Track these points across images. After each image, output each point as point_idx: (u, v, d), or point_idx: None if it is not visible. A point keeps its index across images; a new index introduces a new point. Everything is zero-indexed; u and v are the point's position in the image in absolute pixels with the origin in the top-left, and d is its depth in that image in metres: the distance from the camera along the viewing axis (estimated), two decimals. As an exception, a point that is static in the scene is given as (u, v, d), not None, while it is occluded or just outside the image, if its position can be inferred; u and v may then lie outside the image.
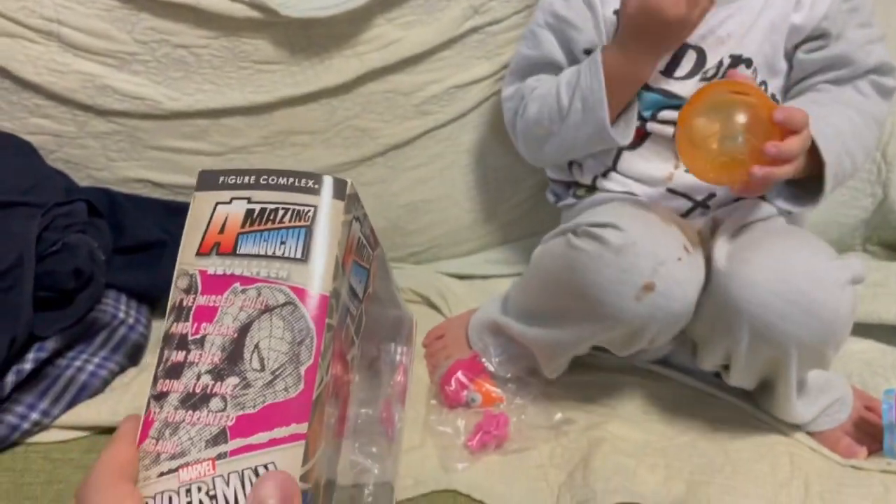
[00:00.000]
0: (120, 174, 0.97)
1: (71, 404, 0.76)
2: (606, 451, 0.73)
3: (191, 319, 0.38)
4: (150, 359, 0.86)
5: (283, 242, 0.39)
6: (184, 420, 0.36)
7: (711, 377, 0.85)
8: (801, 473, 0.73)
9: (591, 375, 0.82)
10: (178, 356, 0.38)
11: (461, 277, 1.05)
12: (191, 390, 0.37)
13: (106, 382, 0.79)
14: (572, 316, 0.75)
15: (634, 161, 0.84)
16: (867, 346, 0.91)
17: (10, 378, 0.73)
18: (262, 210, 0.39)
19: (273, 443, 0.35)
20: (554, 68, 0.86)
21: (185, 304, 0.39)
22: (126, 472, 0.37)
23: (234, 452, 0.35)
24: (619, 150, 0.85)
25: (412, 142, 1.01)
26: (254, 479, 0.34)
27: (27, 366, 0.74)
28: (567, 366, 0.82)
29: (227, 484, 0.35)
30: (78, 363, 0.79)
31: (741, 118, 0.67)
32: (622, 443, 0.76)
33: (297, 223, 0.39)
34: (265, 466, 0.35)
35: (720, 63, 0.80)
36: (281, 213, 0.39)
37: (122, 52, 0.91)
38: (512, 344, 0.85)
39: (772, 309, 0.67)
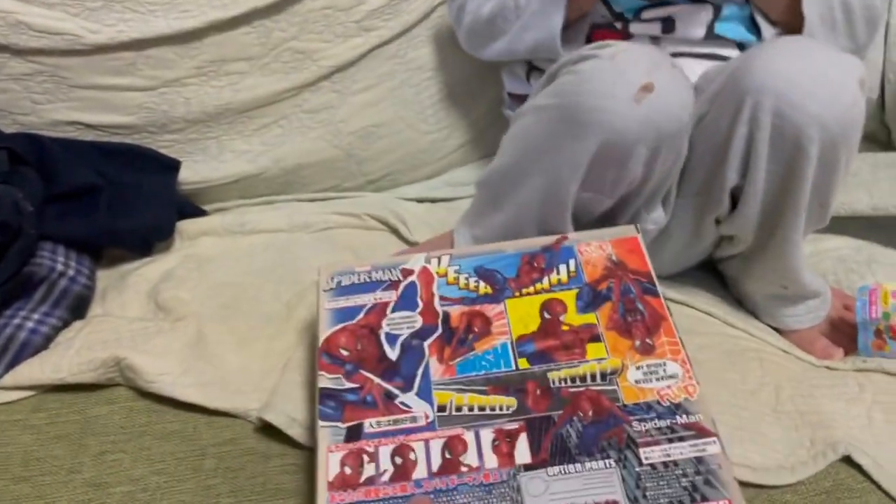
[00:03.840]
0: (48, 117, 0.91)
1: (12, 364, 0.73)
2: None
3: None
4: (97, 310, 0.82)
5: None
6: None
7: (683, 288, 0.83)
8: (772, 379, 0.72)
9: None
10: None
11: (423, 202, 1.01)
12: None
13: (49, 339, 0.76)
14: (558, 148, 0.71)
15: None
16: (841, 242, 0.89)
17: (-56, 342, 0.70)
18: None
19: None
20: None
21: None
22: None
23: None
24: None
25: (357, 62, 0.95)
26: None
27: (-40, 328, 0.71)
28: None
29: None
30: (17, 321, 0.75)
31: None
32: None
33: None
34: None
35: None
36: None
37: (31, -17, 0.84)
38: None
39: (798, 85, 0.67)
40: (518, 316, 0.64)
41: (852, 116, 0.67)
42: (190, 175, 0.94)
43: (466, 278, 0.67)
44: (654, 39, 0.80)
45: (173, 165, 0.92)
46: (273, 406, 0.67)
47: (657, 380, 0.58)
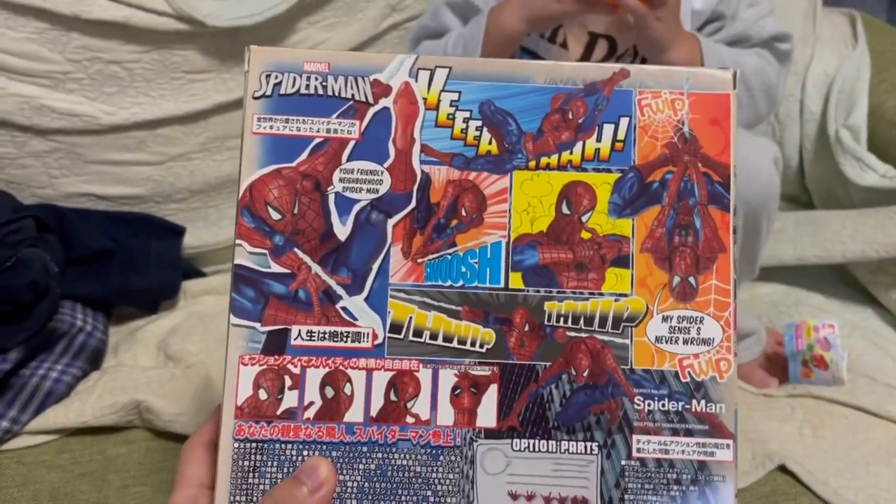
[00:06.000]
0: (63, 190, 0.99)
1: (39, 410, 0.78)
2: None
3: None
4: (111, 362, 0.89)
5: None
6: None
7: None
8: (718, 404, 0.82)
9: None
10: None
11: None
12: None
13: (70, 387, 0.82)
14: None
15: None
16: (772, 289, 1.01)
17: (-23, 391, 0.76)
18: None
19: None
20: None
21: None
22: None
23: None
24: None
25: (342, 137, 1.06)
26: None
27: (-8, 378, 0.77)
28: None
29: None
30: (42, 371, 0.81)
31: None
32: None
33: None
34: None
35: (636, 49, 0.86)
36: None
37: (55, 72, 0.94)
38: None
39: None
40: (526, 201, 0.44)
41: (769, 191, 0.81)
42: (192, 240, 1.03)
43: (466, 121, 0.44)
44: None
45: (179, 231, 1.00)
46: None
47: (685, 342, 0.43)
